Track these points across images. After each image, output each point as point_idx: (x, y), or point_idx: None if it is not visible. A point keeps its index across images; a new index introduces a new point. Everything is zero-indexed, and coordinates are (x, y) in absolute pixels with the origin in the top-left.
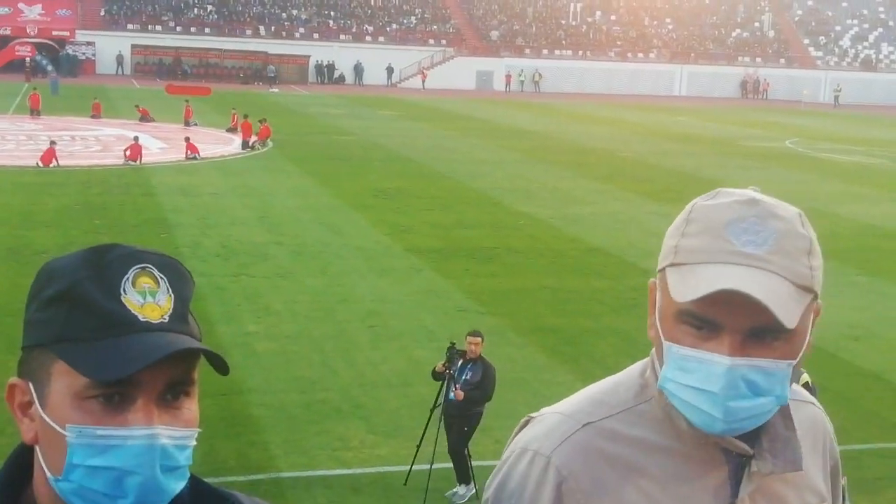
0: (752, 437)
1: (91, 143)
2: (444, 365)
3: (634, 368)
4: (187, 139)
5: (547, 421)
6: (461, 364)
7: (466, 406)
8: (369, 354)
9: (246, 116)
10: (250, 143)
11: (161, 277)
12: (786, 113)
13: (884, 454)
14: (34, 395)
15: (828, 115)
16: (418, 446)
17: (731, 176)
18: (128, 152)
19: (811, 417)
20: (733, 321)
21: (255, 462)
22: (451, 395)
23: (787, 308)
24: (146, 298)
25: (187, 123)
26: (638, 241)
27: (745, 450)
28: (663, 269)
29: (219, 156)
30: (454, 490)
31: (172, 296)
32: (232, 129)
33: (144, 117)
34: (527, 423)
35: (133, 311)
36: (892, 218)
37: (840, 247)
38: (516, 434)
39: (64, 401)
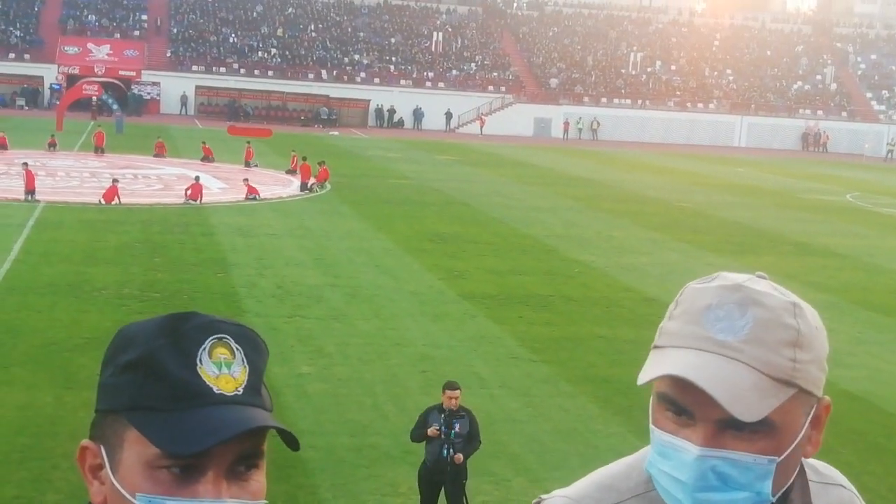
0: None
1: (153, 181)
2: (437, 429)
3: (644, 453)
4: (246, 180)
5: None
6: (444, 419)
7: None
8: (420, 400)
9: (305, 158)
10: (309, 185)
11: (237, 349)
12: (846, 167)
13: None
14: (105, 459)
15: (889, 169)
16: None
17: (790, 228)
18: (189, 192)
19: (840, 502)
20: (701, 410)
21: None
22: (445, 453)
23: (744, 400)
24: (221, 370)
25: (248, 164)
26: None
27: None
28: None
29: (277, 197)
30: None
31: (247, 368)
32: (291, 171)
33: (207, 157)
34: None
35: (208, 383)
36: None
37: None
38: None
39: (135, 469)
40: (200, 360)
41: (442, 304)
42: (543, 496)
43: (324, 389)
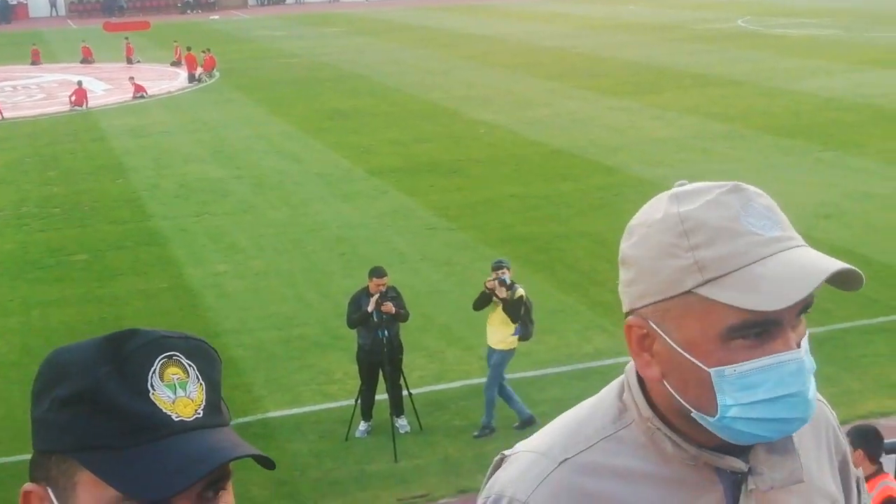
0: (746, 450)
1: (34, 91)
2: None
3: (610, 391)
4: (132, 78)
5: (521, 461)
6: (377, 300)
7: (395, 335)
8: (343, 283)
9: (189, 48)
10: (196, 76)
11: (189, 365)
12: None
13: (866, 331)
14: (55, 503)
15: None
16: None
17: (686, 61)
18: (73, 98)
19: None
20: (790, 311)
21: (240, 405)
22: (380, 334)
23: None
24: (177, 392)
25: (129, 61)
26: (599, 139)
27: (739, 467)
28: (685, 294)
29: (166, 92)
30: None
31: (203, 385)
32: (176, 63)
33: (86, 59)
34: (500, 462)
35: (165, 411)
36: (850, 89)
37: (803, 124)
38: (490, 475)
39: None
40: (152, 386)
41: (351, 183)
42: (506, 452)
43: (243, 286)
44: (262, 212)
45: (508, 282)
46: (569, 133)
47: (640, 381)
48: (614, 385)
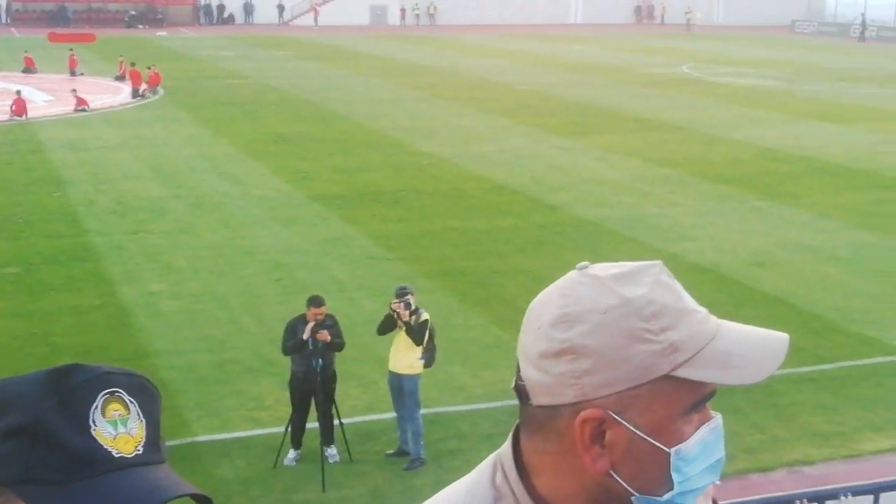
0: None
1: None
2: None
3: (482, 476)
4: (74, 91)
5: None
6: (313, 328)
7: (329, 364)
8: (278, 309)
9: (133, 64)
10: (140, 92)
11: (131, 402)
12: (680, 38)
13: (794, 379)
14: None
15: (722, 37)
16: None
17: (631, 105)
18: (13, 107)
19: None
20: None
21: (167, 428)
22: (314, 363)
23: None
24: (118, 429)
25: (73, 73)
26: (543, 177)
27: None
28: (657, 378)
29: (108, 107)
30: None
31: (144, 422)
32: (120, 78)
33: (29, 68)
34: None
35: (106, 447)
36: (787, 140)
37: (740, 173)
38: None
39: None
40: (94, 421)
41: (292, 208)
42: None
43: (177, 306)
44: (200, 233)
45: (413, 306)
46: (512, 169)
47: (518, 468)
48: (486, 468)
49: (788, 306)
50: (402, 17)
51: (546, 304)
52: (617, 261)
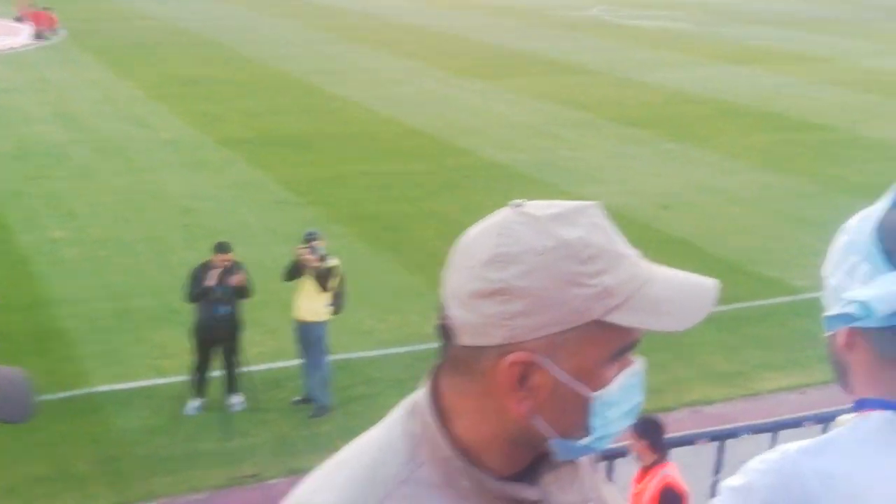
0: (532, 476)
1: None
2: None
3: (397, 423)
4: None
5: None
6: (219, 275)
7: (234, 312)
8: (184, 255)
9: (34, 3)
10: (41, 33)
11: None
12: None
13: None
14: None
15: None
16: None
17: (542, 47)
18: None
19: None
20: None
21: (68, 378)
22: (220, 310)
23: None
24: None
25: None
26: (454, 120)
27: (535, 496)
28: (589, 322)
29: (8, 48)
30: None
31: None
32: (20, 18)
33: None
34: None
35: None
36: (697, 82)
37: (651, 115)
38: None
39: None
40: None
41: (199, 152)
42: None
43: (79, 253)
44: (104, 178)
45: (321, 252)
46: (423, 113)
47: (436, 413)
48: (401, 415)
49: (693, 248)
50: None
51: (481, 242)
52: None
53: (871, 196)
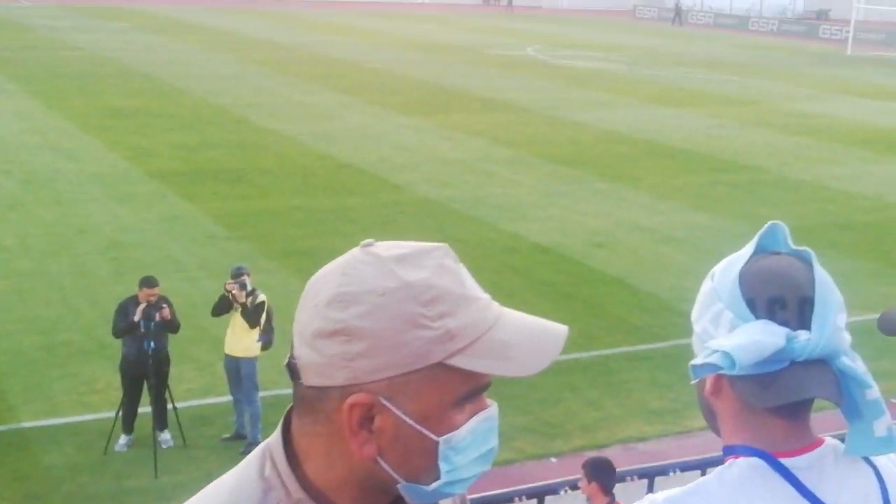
0: None
1: None
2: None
3: (250, 467)
4: None
5: None
6: (145, 309)
7: (162, 347)
8: (113, 289)
9: None
10: None
11: None
12: (527, 19)
13: (630, 357)
14: None
15: (567, 21)
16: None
17: (476, 84)
18: None
19: None
20: None
21: None
22: (146, 345)
23: None
24: None
25: None
26: (388, 156)
27: None
28: (432, 365)
29: None
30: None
31: None
32: None
33: None
34: None
35: None
36: (628, 123)
37: (582, 155)
38: None
39: None
40: None
41: (129, 185)
42: None
43: (5, 286)
44: (31, 210)
45: (249, 287)
46: (358, 148)
47: (289, 456)
48: (254, 459)
49: (625, 286)
50: None
51: (325, 281)
52: (461, 241)
53: (800, 237)
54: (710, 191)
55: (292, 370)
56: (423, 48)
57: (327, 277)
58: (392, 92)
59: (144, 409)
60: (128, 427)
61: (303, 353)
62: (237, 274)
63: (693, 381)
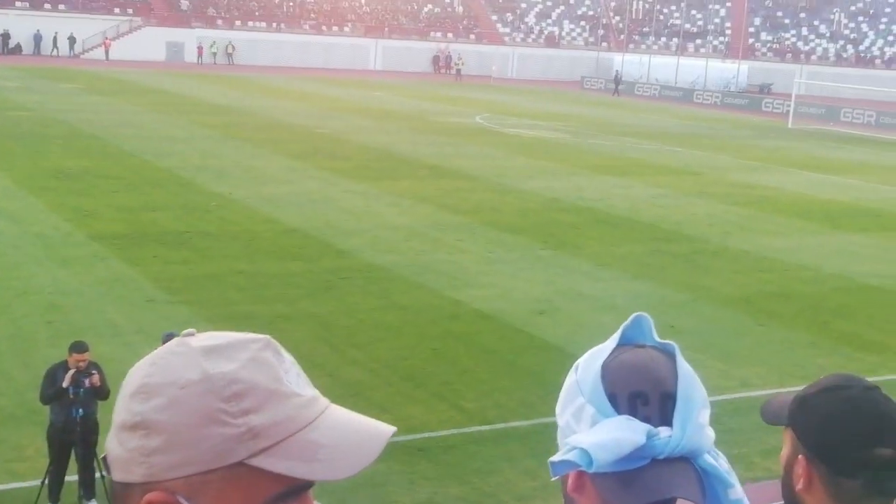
0: None
1: None
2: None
3: None
4: None
5: None
6: (74, 375)
7: (91, 414)
8: (48, 353)
9: None
10: None
11: None
12: (476, 88)
13: None
14: None
15: (515, 90)
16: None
17: (425, 152)
18: None
19: None
20: None
21: None
22: (74, 412)
23: None
24: None
25: None
26: (335, 221)
27: None
28: (234, 465)
29: None
30: None
31: None
32: None
33: None
34: None
35: None
36: (571, 191)
37: (527, 222)
38: None
39: None
40: None
41: (70, 247)
42: None
43: None
44: None
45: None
46: (305, 213)
47: None
48: None
49: (566, 354)
50: (200, 55)
51: (135, 371)
52: (404, 307)
53: (739, 306)
54: (651, 259)
55: (106, 464)
56: (373, 115)
57: (138, 368)
58: (341, 158)
59: (72, 477)
60: (54, 496)
61: (110, 446)
62: (167, 339)
63: (553, 478)
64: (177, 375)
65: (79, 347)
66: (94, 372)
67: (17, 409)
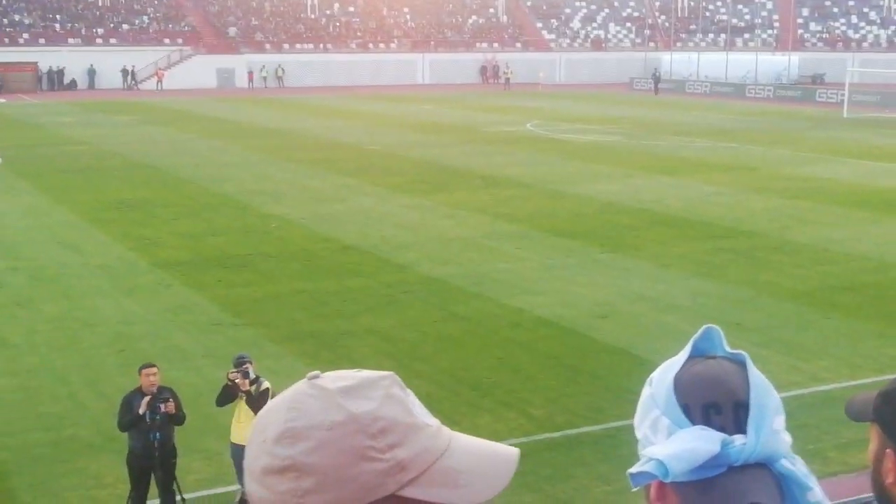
0: None
1: None
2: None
3: None
4: None
5: None
6: (149, 402)
7: (168, 439)
8: (119, 381)
9: None
10: None
11: None
12: (525, 96)
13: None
14: None
15: (564, 95)
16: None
17: (477, 162)
18: None
19: None
20: None
21: None
22: (153, 437)
23: None
24: None
25: None
26: (391, 236)
27: None
28: (385, 498)
29: None
30: None
31: None
32: None
33: None
34: None
35: None
36: (627, 194)
37: (584, 227)
38: None
39: None
40: None
41: (134, 276)
42: None
43: (12, 384)
44: (38, 305)
45: (252, 375)
46: (361, 229)
47: None
48: None
49: (630, 356)
50: (250, 79)
51: (272, 417)
52: (465, 318)
53: (802, 300)
54: (711, 258)
55: None
56: (423, 128)
57: (272, 414)
58: (395, 173)
59: (153, 502)
60: None
61: (252, 490)
62: (239, 363)
63: (634, 489)
64: (321, 418)
65: (146, 364)
66: (168, 398)
67: (95, 438)
